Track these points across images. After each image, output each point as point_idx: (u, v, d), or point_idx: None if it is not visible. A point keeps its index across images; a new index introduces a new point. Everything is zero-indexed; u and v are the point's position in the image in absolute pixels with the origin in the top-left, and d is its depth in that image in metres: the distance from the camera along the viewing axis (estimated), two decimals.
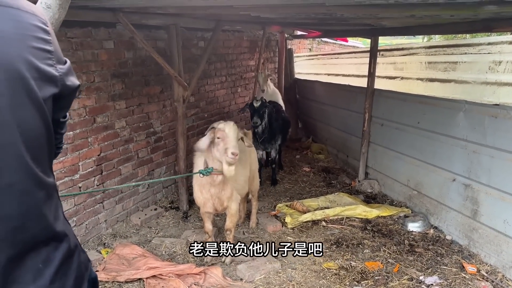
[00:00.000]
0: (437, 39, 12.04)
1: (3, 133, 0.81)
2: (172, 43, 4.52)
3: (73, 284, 1.00)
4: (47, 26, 0.93)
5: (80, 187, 4.01)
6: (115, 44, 4.24)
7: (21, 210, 0.86)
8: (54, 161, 3.69)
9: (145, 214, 4.74)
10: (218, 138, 3.29)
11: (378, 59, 5.70)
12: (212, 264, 3.81)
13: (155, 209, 4.91)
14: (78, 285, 1.02)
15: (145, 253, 3.91)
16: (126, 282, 3.51)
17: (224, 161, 3.25)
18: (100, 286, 3.43)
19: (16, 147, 0.84)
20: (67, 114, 1.14)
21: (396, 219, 4.61)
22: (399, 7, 2.85)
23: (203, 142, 3.45)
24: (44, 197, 0.91)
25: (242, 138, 3.58)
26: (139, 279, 3.53)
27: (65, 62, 1.01)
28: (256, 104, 5.18)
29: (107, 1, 2.79)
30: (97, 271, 3.63)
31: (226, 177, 3.43)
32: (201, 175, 3.40)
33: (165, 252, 4.04)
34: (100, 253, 3.95)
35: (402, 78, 6.33)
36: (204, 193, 3.64)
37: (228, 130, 3.27)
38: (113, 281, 3.51)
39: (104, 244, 4.18)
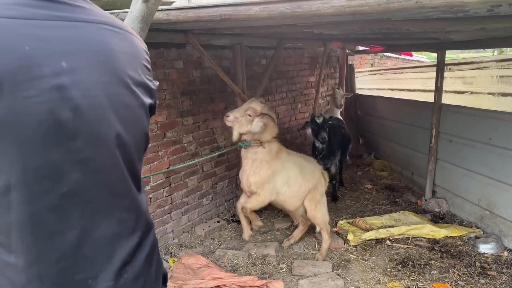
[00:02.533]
0: (509, 52, 11.37)
1: (126, 132, 0.99)
2: (237, 62, 4.70)
3: (155, 271, 1.12)
4: (147, 51, 1.15)
5: (150, 198, 4.26)
6: (184, 63, 4.49)
7: (134, 200, 1.05)
8: None
9: (209, 226, 4.89)
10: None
11: (446, 73, 5.51)
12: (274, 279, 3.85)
13: (218, 222, 5.05)
14: (158, 272, 1.15)
15: (209, 263, 4.03)
16: None
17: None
18: None
19: (136, 144, 1.04)
20: None
21: (466, 240, 4.38)
22: (469, 20, 2.78)
23: None
24: (138, 189, 1.08)
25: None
26: None
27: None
28: (319, 120, 5.19)
29: (179, 24, 2.99)
30: None
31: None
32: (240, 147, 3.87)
33: (228, 263, 4.14)
34: (167, 261, 4.14)
35: (472, 92, 6.05)
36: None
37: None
38: None
39: (171, 253, 4.36)
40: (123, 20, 2.55)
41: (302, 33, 4.46)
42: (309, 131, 5.66)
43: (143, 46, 1.12)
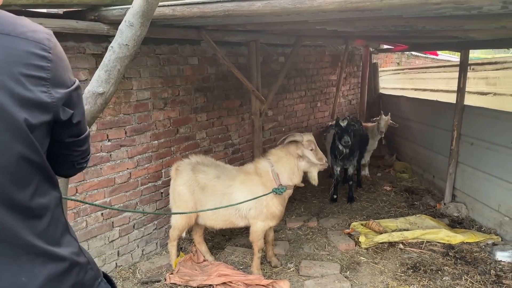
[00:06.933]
0: None
1: None
2: (251, 59, 4.67)
3: None
4: (48, 53, 0.94)
5: (162, 193, 4.30)
6: (199, 60, 4.50)
7: None
8: (139, 167, 3.97)
9: None
10: (311, 149, 3.64)
11: (469, 74, 5.31)
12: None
13: None
14: None
15: (214, 262, 4.05)
16: (198, 287, 3.66)
17: (317, 169, 3.70)
18: None
19: (6, 173, 0.88)
20: (86, 130, 1.16)
21: (483, 247, 4.21)
22: (485, 18, 2.66)
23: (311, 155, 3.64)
24: (22, 218, 0.94)
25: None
26: (210, 285, 3.66)
27: (69, 86, 1.01)
28: (344, 124, 5.13)
29: (187, 19, 3.00)
30: (171, 273, 3.84)
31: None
32: (275, 193, 3.58)
33: (236, 261, 4.13)
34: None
35: (495, 94, 5.80)
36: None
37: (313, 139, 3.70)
38: (185, 285, 3.68)
39: (181, 248, 4.39)
40: (123, 15, 2.56)
41: (318, 30, 4.39)
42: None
43: (36, 49, 0.92)
